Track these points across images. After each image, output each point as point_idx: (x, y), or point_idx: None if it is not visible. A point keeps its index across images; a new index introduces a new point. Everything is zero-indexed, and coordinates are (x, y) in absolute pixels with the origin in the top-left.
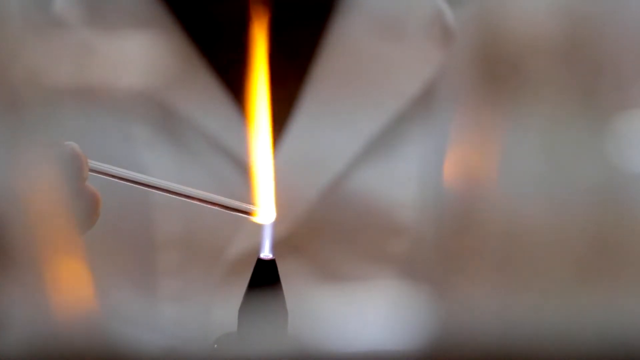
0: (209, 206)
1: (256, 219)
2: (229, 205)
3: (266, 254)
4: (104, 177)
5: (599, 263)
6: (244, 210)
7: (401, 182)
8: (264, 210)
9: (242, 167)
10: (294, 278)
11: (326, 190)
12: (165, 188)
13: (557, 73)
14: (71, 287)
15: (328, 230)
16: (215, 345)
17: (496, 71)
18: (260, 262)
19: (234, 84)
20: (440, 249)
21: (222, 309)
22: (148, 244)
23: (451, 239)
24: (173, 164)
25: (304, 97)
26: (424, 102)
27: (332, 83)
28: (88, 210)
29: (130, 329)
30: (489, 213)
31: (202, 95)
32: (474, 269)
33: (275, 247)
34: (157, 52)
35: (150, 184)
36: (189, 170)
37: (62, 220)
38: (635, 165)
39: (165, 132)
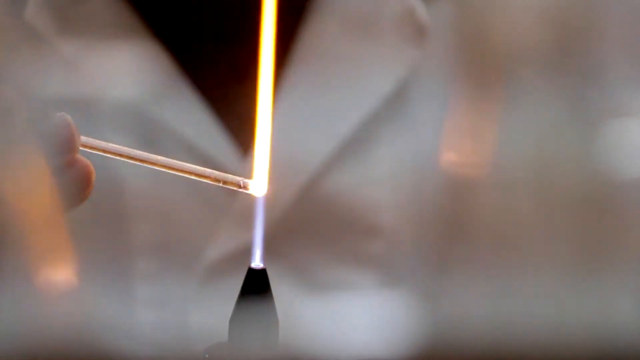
0: (204, 180)
1: (250, 191)
2: (223, 179)
3: (257, 263)
4: (96, 152)
5: (588, 267)
6: (237, 183)
7: (377, 183)
8: (258, 182)
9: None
10: (273, 284)
11: (301, 193)
12: (158, 163)
13: (546, 79)
14: (56, 263)
15: (304, 233)
16: (206, 355)
17: (485, 77)
18: (251, 272)
19: (214, 94)
20: (423, 251)
21: (200, 315)
22: (125, 251)
23: (436, 241)
24: (152, 174)
25: (276, 99)
26: (398, 101)
27: (304, 84)
28: (80, 183)
29: (108, 335)
30: (478, 216)
31: (181, 106)
32: (461, 272)
33: (249, 251)
34: (137, 65)
35: (144, 159)
36: (167, 182)
37: (51, 195)
38: (624, 171)
39: (144, 143)
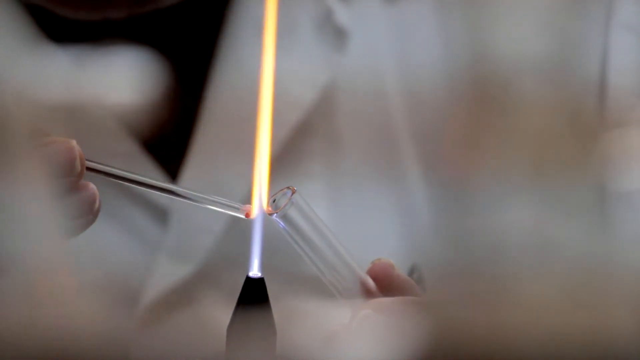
0: (203, 206)
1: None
2: (222, 203)
3: (255, 272)
4: (101, 176)
5: (587, 281)
6: (236, 208)
7: (309, 199)
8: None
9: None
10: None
11: (231, 221)
12: (162, 187)
13: (544, 93)
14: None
15: (239, 261)
16: None
17: (484, 91)
18: (249, 281)
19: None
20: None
21: (141, 353)
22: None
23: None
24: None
25: (200, 122)
26: (324, 110)
27: (227, 103)
28: (83, 208)
29: None
30: (477, 230)
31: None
32: (463, 285)
33: (190, 283)
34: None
35: (147, 184)
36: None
37: (54, 219)
38: (623, 185)
39: None
